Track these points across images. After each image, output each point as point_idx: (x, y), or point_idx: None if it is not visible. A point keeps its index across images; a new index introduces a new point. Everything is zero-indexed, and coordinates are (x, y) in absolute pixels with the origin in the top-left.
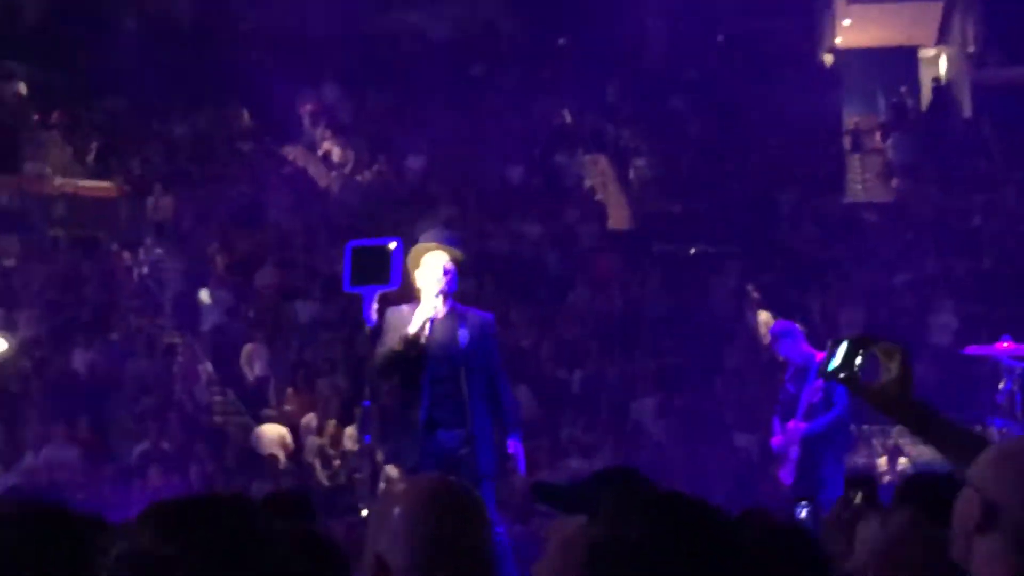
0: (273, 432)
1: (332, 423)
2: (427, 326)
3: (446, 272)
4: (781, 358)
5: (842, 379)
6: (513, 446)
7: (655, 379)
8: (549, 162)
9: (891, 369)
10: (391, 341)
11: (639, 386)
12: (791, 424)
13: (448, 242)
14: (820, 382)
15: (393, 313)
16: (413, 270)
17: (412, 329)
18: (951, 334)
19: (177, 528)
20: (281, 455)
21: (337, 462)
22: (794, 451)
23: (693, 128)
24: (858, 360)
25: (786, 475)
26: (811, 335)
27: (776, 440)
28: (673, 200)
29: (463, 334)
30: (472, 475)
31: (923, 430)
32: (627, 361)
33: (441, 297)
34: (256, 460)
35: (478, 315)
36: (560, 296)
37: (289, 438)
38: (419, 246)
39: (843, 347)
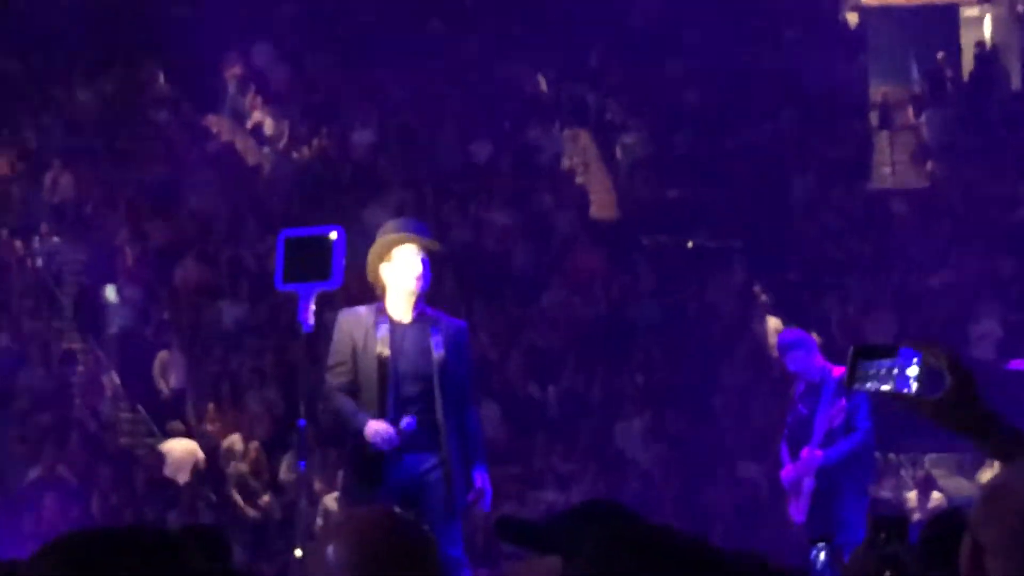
0: (182, 450)
1: (255, 446)
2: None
3: (425, 268)
4: (791, 373)
5: (888, 394)
6: (481, 478)
7: (644, 397)
8: (520, 138)
9: (945, 376)
10: (341, 361)
11: (625, 405)
12: (805, 452)
13: (419, 231)
14: (842, 402)
15: (347, 318)
16: (378, 265)
17: (368, 433)
18: (994, 346)
19: (80, 568)
20: (188, 477)
21: (266, 495)
22: (808, 483)
23: (691, 99)
24: (914, 370)
25: (798, 512)
26: (828, 347)
27: (786, 471)
28: (667, 184)
29: (436, 343)
30: (442, 506)
31: (995, 448)
32: (611, 376)
33: (414, 299)
34: (170, 488)
35: (452, 323)
36: (532, 298)
37: (201, 455)
38: (389, 236)
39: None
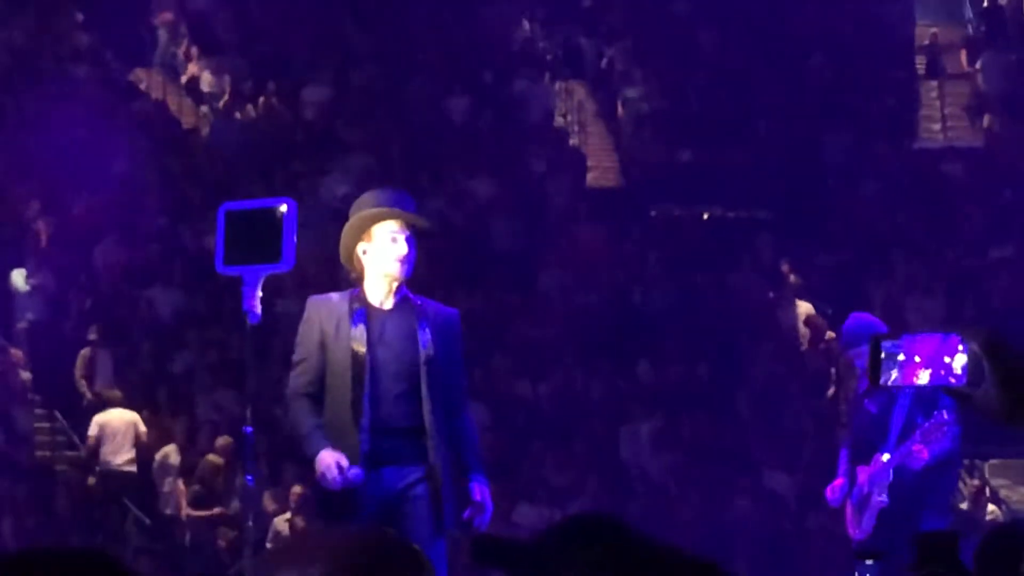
0: (120, 421)
1: (212, 459)
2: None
3: (411, 248)
4: (857, 369)
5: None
6: (479, 491)
7: (653, 397)
8: (505, 92)
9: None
10: (307, 353)
11: (631, 407)
12: (880, 458)
13: (405, 205)
14: (946, 400)
15: (317, 306)
16: (353, 245)
17: (318, 468)
18: None
19: None
20: (131, 454)
21: (213, 510)
22: (877, 496)
23: (705, 43)
24: (961, 359)
25: (859, 526)
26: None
27: (839, 482)
28: (679, 146)
29: (423, 335)
30: (427, 527)
31: None
32: (614, 372)
33: (396, 284)
34: (96, 509)
35: (441, 310)
36: (521, 281)
37: (143, 427)
38: (366, 211)
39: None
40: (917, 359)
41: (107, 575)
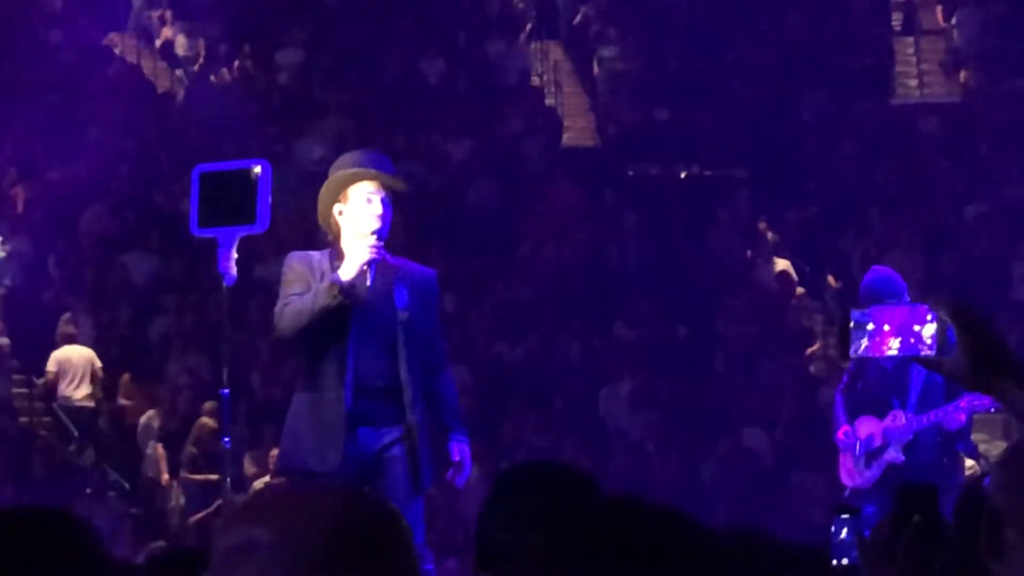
0: (80, 357)
1: (207, 422)
2: (368, 273)
3: (386, 209)
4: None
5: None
6: (460, 450)
7: (632, 357)
8: (479, 53)
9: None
10: (295, 292)
11: (610, 367)
12: (900, 415)
13: (382, 166)
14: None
15: (299, 260)
16: (330, 205)
17: (347, 274)
18: None
19: None
20: (90, 390)
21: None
22: (896, 453)
23: (681, 3)
24: (930, 328)
25: (864, 477)
26: (848, 292)
27: (869, 430)
28: (655, 105)
29: (401, 295)
30: (404, 487)
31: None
32: (592, 332)
33: (376, 244)
34: (78, 474)
35: (418, 271)
36: (497, 242)
37: (98, 363)
38: (343, 172)
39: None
40: (887, 329)
41: (69, 533)
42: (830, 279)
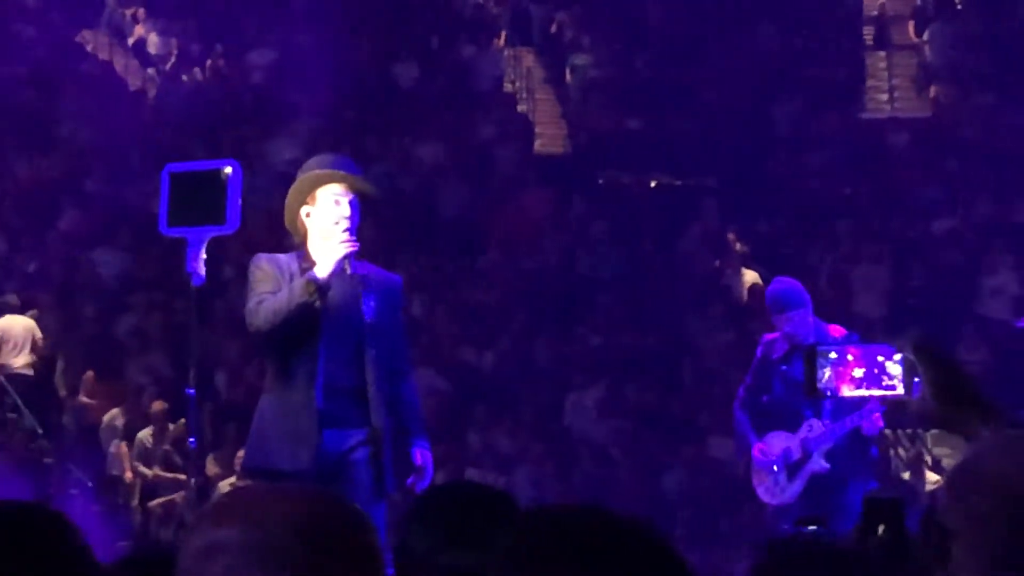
0: (22, 327)
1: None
2: (348, 266)
3: (354, 212)
4: (785, 333)
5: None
6: (422, 455)
7: (599, 364)
8: (452, 58)
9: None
10: (267, 290)
11: (577, 373)
12: (817, 424)
13: (348, 168)
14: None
15: (267, 260)
16: (298, 207)
17: (323, 271)
18: (1009, 302)
19: None
20: (28, 359)
21: (161, 471)
22: (817, 462)
23: (655, 12)
24: (896, 368)
25: (787, 493)
26: (815, 302)
27: (785, 445)
28: (626, 113)
29: (367, 303)
30: (368, 490)
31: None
32: (560, 339)
33: (348, 245)
34: (43, 472)
35: (384, 277)
36: (468, 246)
37: (39, 333)
38: (311, 174)
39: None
40: (857, 371)
41: (48, 529)
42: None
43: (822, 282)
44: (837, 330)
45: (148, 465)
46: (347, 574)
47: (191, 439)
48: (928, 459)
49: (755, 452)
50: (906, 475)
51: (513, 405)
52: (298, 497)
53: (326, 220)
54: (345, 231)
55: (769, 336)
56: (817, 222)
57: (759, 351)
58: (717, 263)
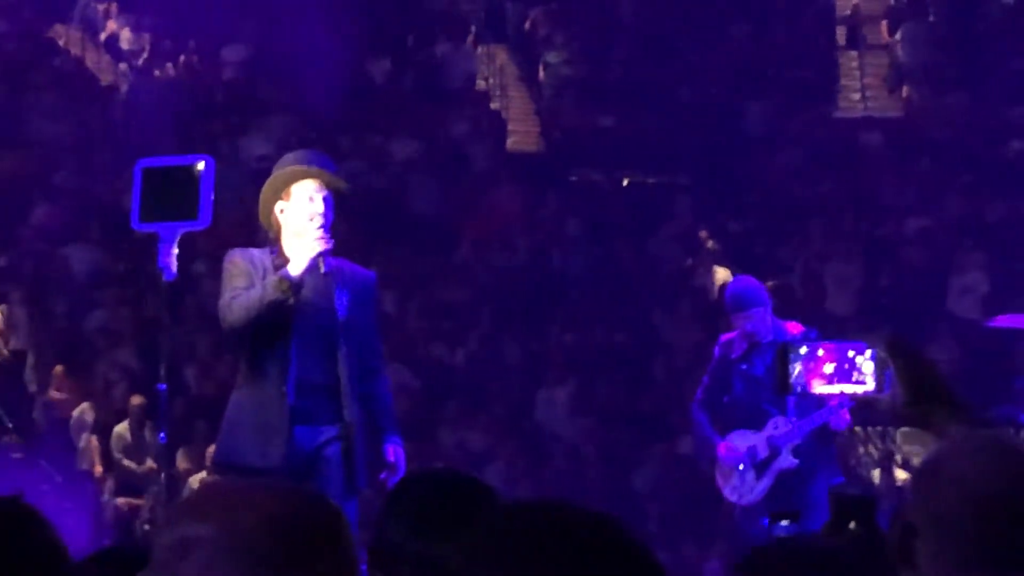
0: None
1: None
2: (322, 264)
3: (328, 208)
4: (744, 332)
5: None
6: (394, 452)
7: (570, 361)
8: (425, 55)
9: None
10: (240, 285)
11: (548, 370)
12: (782, 421)
13: (325, 165)
14: None
15: (241, 256)
16: (272, 203)
17: (296, 268)
18: (979, 301)
19: None
20: None
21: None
22: (786, 459)
23: (628, 10)
24: (869, 365)
25: (755, 491)
26: (787, 302)
27: (730, 447)
28: (599, 111)
29: (341, 299)
30: (339, 486)
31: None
32: (532, 336)
33: (324, 235)
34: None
35: (358, 273)
36: (440, 243)
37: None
38: (285, 170)
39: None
40: (828, 367)
41: (18, 522)
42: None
43: (794, 281)
44: (795, 327)
45: (132, 458)
46: (322, 570)
47: (161, 434)
48: (898, 457)
49: (721, 451)
50: (876, 473)
51: (484, 402)
52: (273, 493)
53: (300, 216)
54: (319, 228)
55: (726, 336)
56: (789, 220)
57: (716, 351)
58: (689, 261)
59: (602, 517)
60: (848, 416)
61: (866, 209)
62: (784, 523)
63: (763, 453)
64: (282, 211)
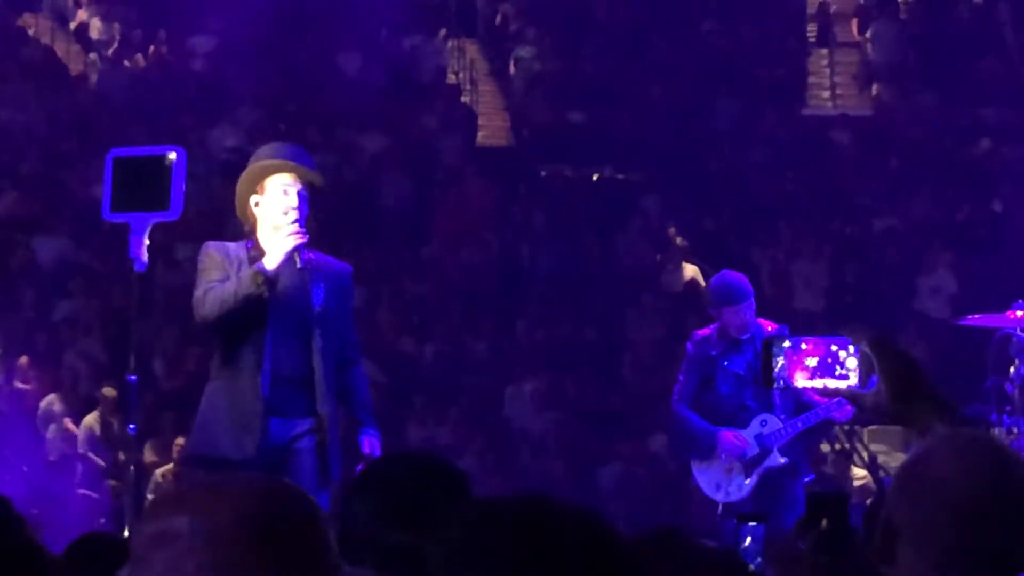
0: None
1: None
2: (297, 258)
3: (302, 202)
4: (726, 326)
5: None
6: (370, 444)
7: (538, 357)
8: (396, 48)
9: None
10: (215, 279)
11: (516, 366)
12: (771, 419)
13: (300, 159)
14: None
15: (216, 249)
16: (247, 196)
17: (271, 263)
18: (947, 300)
19: None
20: None
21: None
22: (779, 457)
23: (599, 6)
24: (852, 361)
25: (742, 489)
26: (757, 299)
27: (742, 441)
28: (569, 106)
29: (317, 292)
30: (313, 479)
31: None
32: (500, 331)
33: (299, 229)
34: None
35: (334, 266)
36: (409, 237)
37: None
38: (260, 163)
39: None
40: (810, 361)
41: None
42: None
43: (762, 278)
44: (768, 324)
45: (101, 449)
46: (297, 563)
47: (130, 425)
48: (864, 454)
49: (728, 437)
50: (830, 470)
51: (452, 397)
52: (249, 486)
53: (275, 210)
54: (294, 222)
55: (702, 332)
56: (758, 218)
57: (690, 348)
58: (658, 257)
59: (581, 511)
60: (850, 408)
61: (835, 207)
62: (750, 524)
63: (752, 451)
64: (257, 204)
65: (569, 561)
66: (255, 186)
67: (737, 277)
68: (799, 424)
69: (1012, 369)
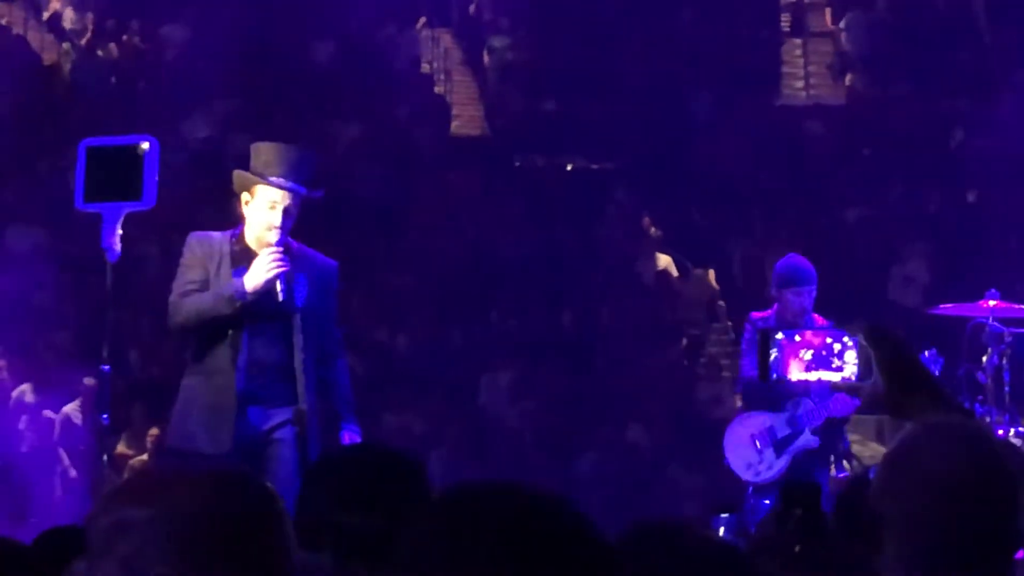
0: None
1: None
2: (278, 289)
3: (287, 219)
4: (789, 309)
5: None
6: (349, 438)
7: (513, 346)
8: (370, 38)
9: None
10: (193, 280)
11: (490, 355)
12: (806, 401)
13: (297, 175)
14: None
15: (199, 242)
16: (240, 191)
17: (251, 282)
18: (920, 289)
19: None
20: None
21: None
22: (812, 438)
23: None
24: (851, 354)
25: (774, 470)
26: (729, 288)
27: (771, 421)
28: (543, 96)
29: (299, 287)
30: (291, 470)
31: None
32: (474, 321)
33: (279, 257)
34: None
35: (319, 261)
36: (383, 228)
37: None
38: (250, 176)
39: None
40: (806, 353)
41: None
42: (711, 275)
43: (734, 268)
44: (819, 319)
45: (79, 440)
46: (256, 553)
47: (104, 416)
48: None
49: (810, 406)
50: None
51: (427, 387)
52: (207, 477)
53: (259, 221)
54: (274, 243)
55: (758, 314)
56: (731, 208)
57: (748, 328)
58: (631, 248)
59: (554, 498)
60: (855, 402)
61: (807, 198)
62: (724, 515)
63: (783, 432)
64: (246, 203)
65: (541, 549)
66: (247, 187)
67: (803, 261)
68: (831, 406)
69: (984, 358)
